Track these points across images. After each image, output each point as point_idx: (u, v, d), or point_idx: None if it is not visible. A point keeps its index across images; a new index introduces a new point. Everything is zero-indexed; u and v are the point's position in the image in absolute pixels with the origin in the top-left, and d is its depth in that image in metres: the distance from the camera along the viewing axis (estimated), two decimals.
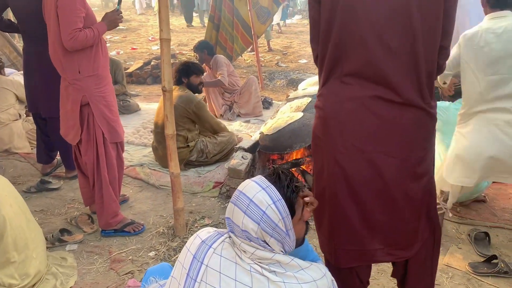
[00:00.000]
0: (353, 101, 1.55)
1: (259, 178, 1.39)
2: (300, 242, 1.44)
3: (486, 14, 2.54)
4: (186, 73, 3.94)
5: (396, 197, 1.59)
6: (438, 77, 2.74)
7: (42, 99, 3.43)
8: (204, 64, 5.38)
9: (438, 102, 3.08)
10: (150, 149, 4.17)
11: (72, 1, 2.51)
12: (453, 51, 2.61)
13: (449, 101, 3.11)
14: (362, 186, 1.58)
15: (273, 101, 5.91)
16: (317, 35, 1.64)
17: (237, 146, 3.73)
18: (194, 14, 15.35)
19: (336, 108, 1.59)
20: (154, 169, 3.86)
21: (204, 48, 5.36)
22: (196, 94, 4.01)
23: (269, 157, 3.83)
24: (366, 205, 1.60)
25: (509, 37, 2.40)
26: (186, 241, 1.68)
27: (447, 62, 2.61)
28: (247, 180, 1.41)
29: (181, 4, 15.44)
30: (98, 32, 2.63)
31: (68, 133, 2.84)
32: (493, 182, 3.26)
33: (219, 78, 5.20)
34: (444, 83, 2.86)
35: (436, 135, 3.12)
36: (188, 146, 3.80)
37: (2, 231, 2.13)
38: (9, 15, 5.49)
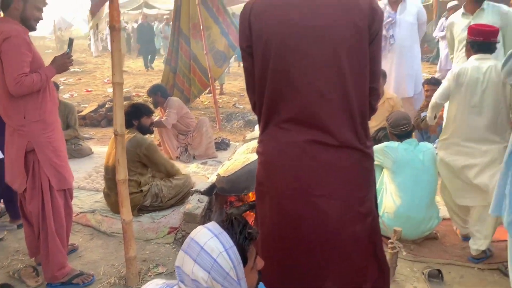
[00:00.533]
0: (292, 146, 1.59)
1: (212, 225, 1.36)
2: None
3: (469, 57, 3.00)
4: (137, 115, 3.84)
5: (343, 239, 1.61)
6: (430, 108, 3.23)
7: None
8: (159, 107, 5.36)
9: (387, 143, 3.24)
10: (102, 194, 4.02)
11: (17, 45, 2.44)
12: (443, 84, 3.07)
13: (397, 141, 3.23)
14: (309, 230, 1.59)
15: (231, 142, 5.93)
16: (253, 84, 1.69)
17: (193, 189, 3.68)
18: (157, 56, 15.43)
19: (276, 154, 1.63)
20: (106, 216, 3.71)
21: (158, 91, 5.33)
22: (148, 135, 3.94)
23: (226, 199, 3.79)
24: (314, 248, 1.60)
25: (492, 74, 2.79)
26: None
27: (438, 93, 3.08)
28: (199, 227, 1.38)
29: (140, 49, 15.46)
30: (46, 76, 2.56)
31: (14, 181, 2.70)
32: (444, 219, 3.37)
33: (162, 119, 5.17)
34: (435, 117, 3.29)
35: (387, 175, 3.24)
36: (141, 191, 3.69)
37: None
38: None
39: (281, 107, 1.60)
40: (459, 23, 3.97)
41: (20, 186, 2.67)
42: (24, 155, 2.59)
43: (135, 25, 19.86)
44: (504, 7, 3.81)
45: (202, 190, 3.58)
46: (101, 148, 5.82)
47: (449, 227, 3.40)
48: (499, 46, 3.15)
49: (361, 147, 1.61)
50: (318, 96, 1.54)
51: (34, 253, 2.92)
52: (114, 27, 2.53)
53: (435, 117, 3.29)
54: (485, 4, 3.70)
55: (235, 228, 1.34)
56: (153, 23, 17.91)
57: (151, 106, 4.50)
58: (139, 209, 3.68)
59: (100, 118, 7.33)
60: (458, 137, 2.94)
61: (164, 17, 17.37)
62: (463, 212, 3.13)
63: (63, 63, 2.71)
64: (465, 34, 3.72)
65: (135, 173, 3.65)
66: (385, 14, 4.99)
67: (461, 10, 3.97)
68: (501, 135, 2.83)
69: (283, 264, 1.64)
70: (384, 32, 4.99)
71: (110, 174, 3.62)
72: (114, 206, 3.67)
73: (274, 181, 1.64)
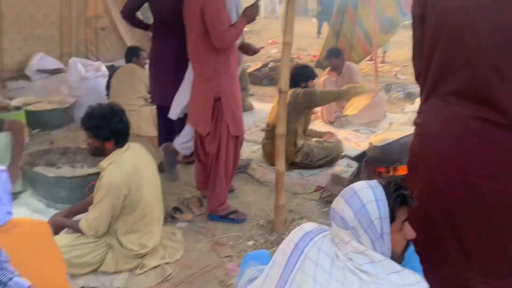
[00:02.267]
0: (454, 121, 1.51)
1: (372, 181, 1.44)
2: (397, 258, 1.41)
3: None
4: (306, 77, 4.05)
5: (500, 224, 1.49)
6: None
7: (159, 88, 3.71)
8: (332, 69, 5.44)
9: None
10: (259, 146, 4.37)
11: (218, 6, 2.74)
12: None
13: None
14: (460, 211, 1.51)
15: (387, 114, 5.74)
16: (420, 53, 1.62)
17: (343, 153, 3.75)
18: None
19: (436, 127, 1.56)
20: (260, 166, 4.05)
21: (339, 54, 5.41)
22: None
23: (375, 169, 3.76)
24: (463, 231, 1.53)
25: None
26: (284, 237, 1.72)
27: None
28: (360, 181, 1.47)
29: (318, 13, 14.80)
30: (240, 28, 2.88)
31: (199, 125, 3.08)
32: None
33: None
34: None
35: None
36: (295, 147, 3.90)
37: (136, 206, 2.43)
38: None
39: (447, 79, 1.52)
40: None
41: (204, 129, 3.03)
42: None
43: None
44: None
45: (352, 156, 3.63)
46: (261, 104, 6.24)
47: None
48: None
49: None
50: (492, 70, 1.43)
51: (200, 187, 3.39)
52: None
53: None
54: None
55: (390, 186, 1.39)
56: None
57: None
58: (290, 164, 3.91)
59: (263, 77, 7.79)
60: None
61: None
62: None
63: (251, 13, 2.97)
64: None
65: (295, 121, 3.81)
66: None
67: None
68: None
69: (428, 243, 1.58)
70: None
71: (270, 126, 3.90)
72: (269, 156, 3.97)
73: (429, 156, 1.58)
